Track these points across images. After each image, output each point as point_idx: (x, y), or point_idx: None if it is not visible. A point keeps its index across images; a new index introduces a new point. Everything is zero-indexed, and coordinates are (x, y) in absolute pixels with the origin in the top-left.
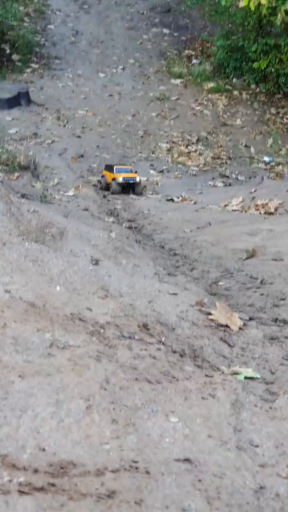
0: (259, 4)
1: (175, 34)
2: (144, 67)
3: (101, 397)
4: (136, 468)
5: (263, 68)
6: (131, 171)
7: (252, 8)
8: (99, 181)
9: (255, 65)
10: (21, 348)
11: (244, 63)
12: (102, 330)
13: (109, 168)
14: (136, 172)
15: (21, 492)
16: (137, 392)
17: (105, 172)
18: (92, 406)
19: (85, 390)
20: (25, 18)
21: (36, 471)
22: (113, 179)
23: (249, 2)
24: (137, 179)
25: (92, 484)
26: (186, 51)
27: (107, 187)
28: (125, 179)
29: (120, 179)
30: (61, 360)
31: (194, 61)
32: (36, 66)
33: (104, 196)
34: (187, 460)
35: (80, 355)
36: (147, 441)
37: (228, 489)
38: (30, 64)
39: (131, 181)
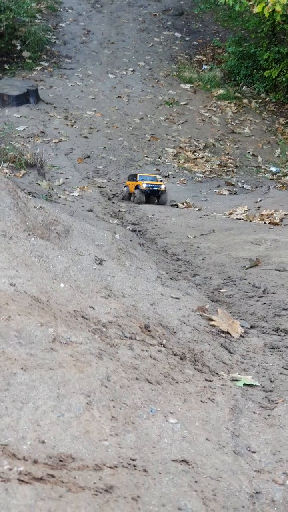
0: (273, 11)
1: (187, 38)
2: (154, 70)
3: (102, 394)
4: (134, 465)
5: (274, 77)
6: (156, 179)
7: (266, 15)
8: (122, 191)
9: (266, 73)
10: (25, 341)
11: (255, 71)
12: (104, 329)
13: (133, 177)
14: (161, 180)
15: (20, 481)
16: (137, 392)
17: (128, 182)
18: (92, 402)
19: (86, 386)
20: (37, 15)
21: (35, 462)
22: (136, 186)
23: (263, 8)
24: (162, 187)
25: (90, 478)
26: (197, 56)
27: (129, 197)
28: (149, 185)
29: (144, 186)
30: (63, 355)
31: (204, 66)
32: (46, 64)
33: (109, 199)
34: (184, 461)
35: (82, 352)
36: (145, 440)
37: (224, 492)
38: (40, 62)
39: (156, 188)
